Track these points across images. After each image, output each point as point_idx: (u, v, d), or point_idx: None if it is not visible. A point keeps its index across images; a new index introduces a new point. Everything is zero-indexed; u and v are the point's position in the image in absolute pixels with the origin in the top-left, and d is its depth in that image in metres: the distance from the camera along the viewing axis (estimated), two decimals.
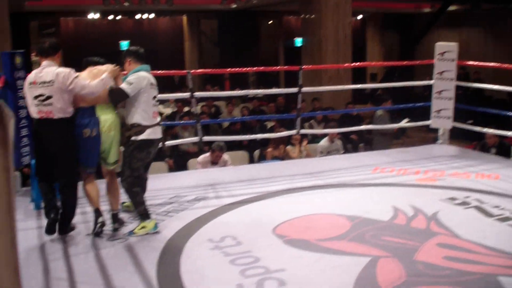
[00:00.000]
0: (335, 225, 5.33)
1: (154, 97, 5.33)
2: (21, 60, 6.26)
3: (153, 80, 5.34)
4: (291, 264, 4.44)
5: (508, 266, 4.37)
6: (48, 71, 4.99)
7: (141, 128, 5.19)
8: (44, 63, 5.07)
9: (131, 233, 5.20)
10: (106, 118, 5.13)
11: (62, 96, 4.94)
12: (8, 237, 0.75)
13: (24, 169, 6.83)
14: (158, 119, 5.41)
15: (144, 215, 5.22)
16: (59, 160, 5.06)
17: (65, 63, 6.00)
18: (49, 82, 4.94)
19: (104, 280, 4.25)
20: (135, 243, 4.99)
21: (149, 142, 5.27)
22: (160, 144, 5.64)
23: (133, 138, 5.19)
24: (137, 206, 5.23)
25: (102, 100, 5.17)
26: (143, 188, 5.50)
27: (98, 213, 5.17)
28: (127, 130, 5.22)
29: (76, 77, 5.00)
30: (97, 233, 5.14)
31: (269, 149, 9.45)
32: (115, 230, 5.29)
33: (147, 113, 5.23)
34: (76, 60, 5.96)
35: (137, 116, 5.19)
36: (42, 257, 4.72)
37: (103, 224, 5.16)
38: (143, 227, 5.19)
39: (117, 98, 5.19)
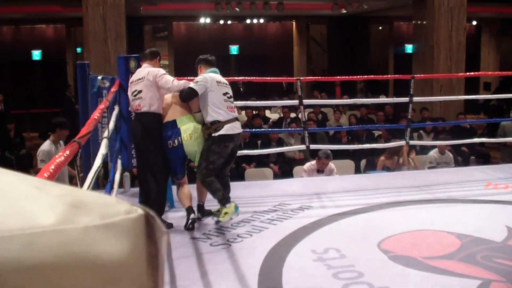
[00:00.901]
0: (444, 243, 5.11)
1: (225, 93, 5.72)
2: (135, 63, 6.48)
3: (220, 79, 5.76)
4: (396, 281, 4.30)
5: None
6: (143, 71, 5.68)
7: (220, 124, 5.59)
8: (144, 65, 5.84)
9: (217, 222, 5.65)
10: (185, 128, 5.61)
11: (149, 90, 5.59)
12: None
13: (133, 169, 7.05)
14: (235, 113, 5.80)
15: (223, 200, 5.54)
16: (141, 150, 5.67)
17: (176, 65, 6.22)
18: (141, 79, 5.65)
19: (205, 286, 4.28)
20: (237, 250, 5.02)
21: (227, 137, 5.62)
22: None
23: (212, 134, 5.57)
24: (214, 192, 5.58)
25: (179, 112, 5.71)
26: (224, 184, 5.79)
27: (190, 210, 5.60)
28: (206, 128, 5.62)
29: (164, 73, 5.65)
30: (189, 228, 5.55)
31: (382, 158, 9.17)
32: (198, 219, 5.72)
33: (221, 109, 5.62)
34: (187, 63, 6.28)
35: (213, 114, 5.60)
36: None
37: (194, 220, 5.58)
38: (225, 213, 5.51)
39: (187, 96, 5.64)
